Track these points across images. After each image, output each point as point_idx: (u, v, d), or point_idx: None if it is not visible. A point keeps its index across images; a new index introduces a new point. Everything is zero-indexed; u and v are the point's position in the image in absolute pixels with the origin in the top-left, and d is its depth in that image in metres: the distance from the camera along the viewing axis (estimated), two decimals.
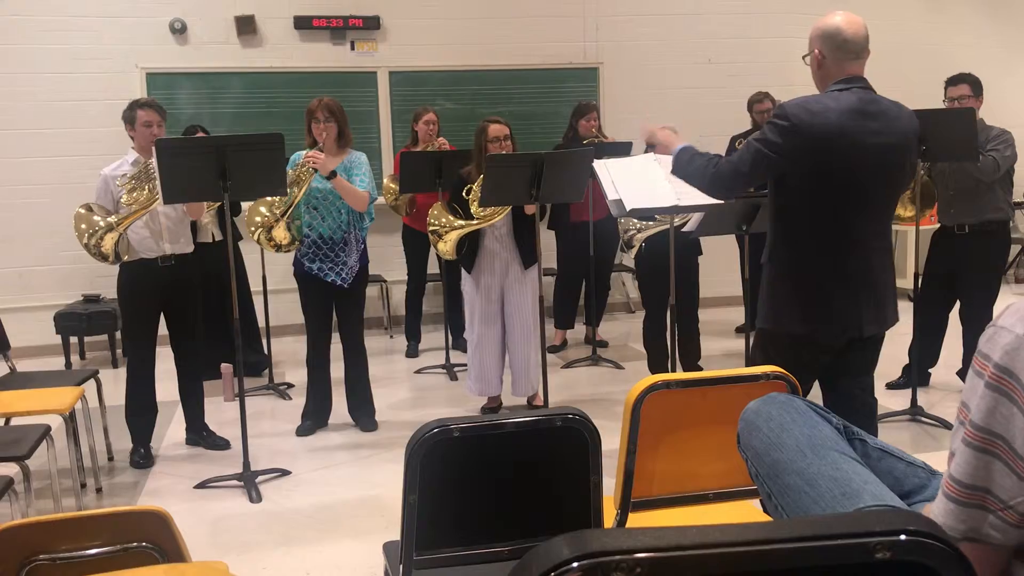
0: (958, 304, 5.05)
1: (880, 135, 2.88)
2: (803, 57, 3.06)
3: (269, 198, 4.60)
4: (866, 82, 2.96)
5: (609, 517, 2.22)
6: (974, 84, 4.84)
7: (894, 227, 9.37)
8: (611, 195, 4.32)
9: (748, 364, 3.31)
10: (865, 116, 2.87)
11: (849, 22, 2.91)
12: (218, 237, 5.78)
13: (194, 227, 5.54)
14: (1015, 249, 9.18)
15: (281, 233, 4.64)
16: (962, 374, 5.10)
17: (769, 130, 2.93)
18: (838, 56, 2.92)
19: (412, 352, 6.60)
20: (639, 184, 4.31)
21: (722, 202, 4.17)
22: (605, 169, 4.44)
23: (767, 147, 2.92)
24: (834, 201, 2.91)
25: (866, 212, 2.94)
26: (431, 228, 4.79)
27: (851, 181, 2.89)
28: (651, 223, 5.05)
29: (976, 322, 4.89)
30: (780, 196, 3.02)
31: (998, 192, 4.86)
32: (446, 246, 4.79)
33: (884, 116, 2.91)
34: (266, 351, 5.97)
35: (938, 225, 5.11)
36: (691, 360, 5.37)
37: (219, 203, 5.09)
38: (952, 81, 4.92)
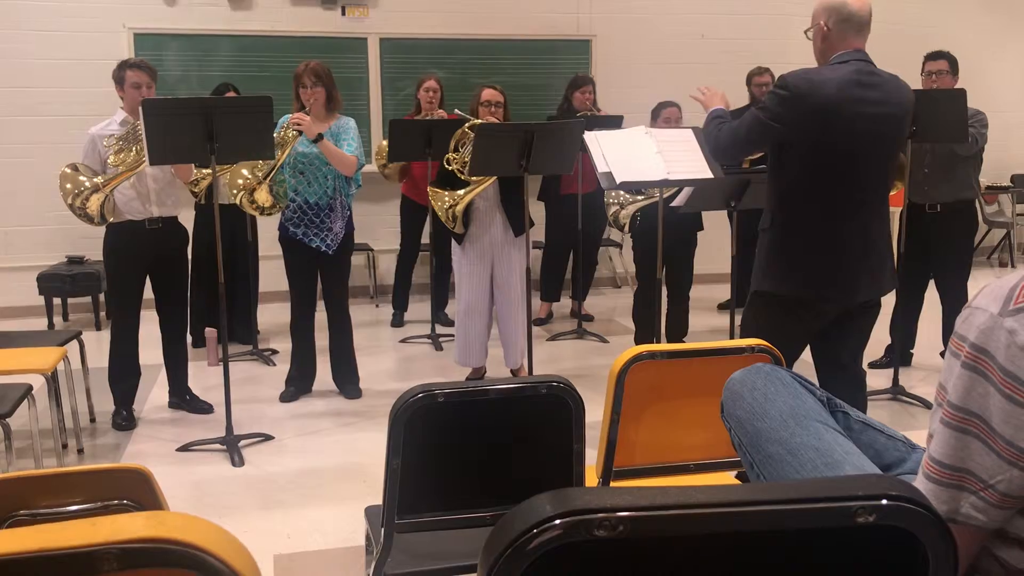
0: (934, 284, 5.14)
1: (878, 105, 2.98)
2: (805, 31, 3.12)
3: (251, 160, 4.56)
4: (866, 55, 3.04)
5: (591, 485, 2.23)
6: (952, 62, 5.00)
7: None
8: (601, 167, 4.31)
9: (741, 330, 3.38)
10: (864, 87, 2.97)
11: None
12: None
13: (211, 189, 5.51)
14: (999, 233, 9.23)
15: (263, 196, 4.60)
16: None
17: (770, 100, 3.04)
18: (843, 29, 3.00)
19: (398, 322, 6.59)
20: (630, 157, 4.30)
21: (711, 177, 4.19)
22: (596, 141, 4.42)
23: (767, 116, 3.03)
24: (834, 168, 2.99)
25: (865, 179, 3.03)
26: (447, 209, 4.72)
27: (850, 149, 2.98)
28: (639, 197, 5.03)
29: (955, 298, 4.99)
30: (781, 164, 3.10)
31: (970, 172, 5.05)
32: (458, 224, 4.78)
33: (882, 87, 3.01)
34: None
35: (905, 203, 5.19)
36: (677, 335, 5.38)
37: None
38: (932, 56, 5.07)
